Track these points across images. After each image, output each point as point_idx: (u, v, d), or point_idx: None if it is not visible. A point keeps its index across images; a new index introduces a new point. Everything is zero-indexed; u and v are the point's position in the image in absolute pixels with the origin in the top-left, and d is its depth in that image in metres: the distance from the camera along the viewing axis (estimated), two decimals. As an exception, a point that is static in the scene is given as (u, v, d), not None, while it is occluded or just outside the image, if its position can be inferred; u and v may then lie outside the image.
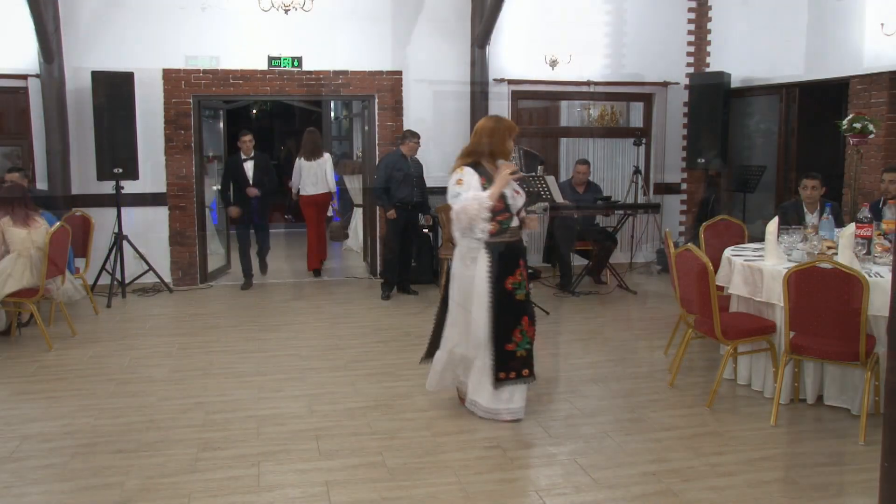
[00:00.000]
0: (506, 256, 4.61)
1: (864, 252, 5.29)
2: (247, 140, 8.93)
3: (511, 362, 4.68)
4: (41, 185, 8.41)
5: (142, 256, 8.61)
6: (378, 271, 9.31)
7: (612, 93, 9.92)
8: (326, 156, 9.85)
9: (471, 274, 4.62)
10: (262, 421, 4.86)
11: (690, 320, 5.55)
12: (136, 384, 5.59)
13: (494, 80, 9.39)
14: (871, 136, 6.76)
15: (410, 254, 8.76)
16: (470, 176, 4.53)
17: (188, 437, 4.60)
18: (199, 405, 5.14)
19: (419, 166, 8.50)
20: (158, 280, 8.72)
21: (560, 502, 3.81)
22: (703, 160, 9.26)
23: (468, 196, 4.48)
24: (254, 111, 18.98)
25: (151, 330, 7.19)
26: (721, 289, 5.54)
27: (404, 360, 6.12)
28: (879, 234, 5.36)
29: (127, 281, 8.56)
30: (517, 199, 4.66)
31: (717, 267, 5.47)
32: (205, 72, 8.75)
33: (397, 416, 4.95)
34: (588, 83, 9.67)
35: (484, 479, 4.06)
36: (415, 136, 8.44)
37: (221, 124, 10.01)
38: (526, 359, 4.73)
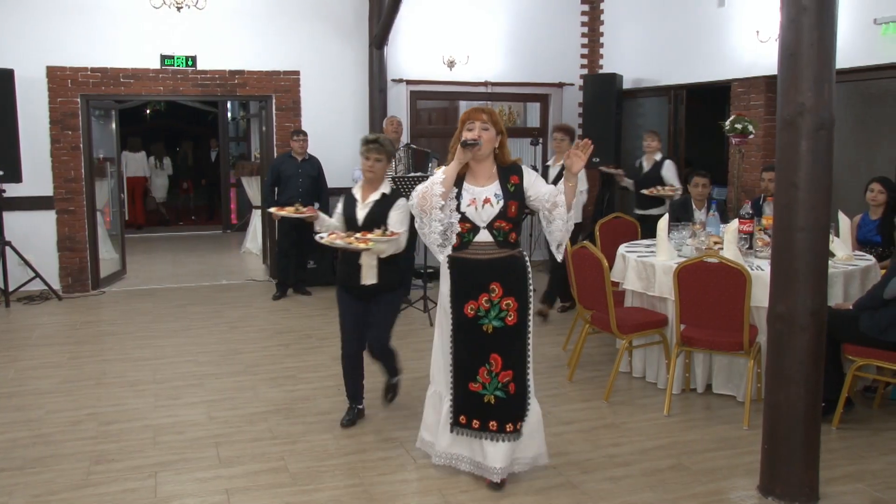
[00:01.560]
0: (469, 276, 3.86)
1: (747, 246, 5.58)
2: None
3: (474, 406, 3.90)
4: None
5: (27, 262, 8.21)
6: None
7: (509, 93, 10.10)
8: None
9: (441, 292, 4.02)
10: (159, 430, 4.72)
11: (587, 316, 5.72)
12: (21, 397, 5.33)
13: (393, 80, 9.41)
14: (751, 136, 7.11)
15: (304, 254, 8.69)
16: (440, 171, 3.89)
17: (80, 450, 4.42)
18: (92, 416, 4.95)
19: (313, 166, 8.41)
20: (46, 287, 8.34)
21: (464, 499, 3.86)
22: (597, 159, 9.50)
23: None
24: (147, 111, 18.41)
25: (39, 339, 6.86)
26: (616, 284, 5.73)
27: (305, 362, 6.06)
28: (760, 230, 5.66)
29: (11, 289, 8.15)
30: (484, 210, 3.84)
31: (611, 263, 5.65)
32: (93, 70, 8.41)
33: (299, 419, 4.90)
34: (485, 84, 9.80)
35: (388, 479, 4.08)
36: (298, 133, 8.36)
37: (114, 125, 9.64)
38: (498, 409, 3.87)
